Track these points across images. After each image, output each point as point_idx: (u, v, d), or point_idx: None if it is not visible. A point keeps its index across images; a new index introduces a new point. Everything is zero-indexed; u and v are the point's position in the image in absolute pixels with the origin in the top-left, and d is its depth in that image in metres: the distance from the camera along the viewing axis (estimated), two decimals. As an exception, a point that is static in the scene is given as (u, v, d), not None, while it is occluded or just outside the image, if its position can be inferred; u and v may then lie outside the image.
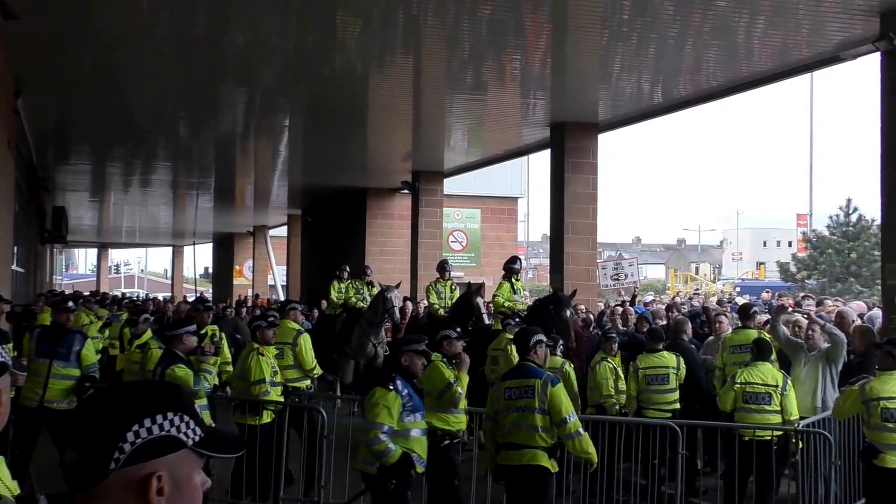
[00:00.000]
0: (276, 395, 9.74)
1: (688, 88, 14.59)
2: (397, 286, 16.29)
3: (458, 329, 8.68)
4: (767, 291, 23.84)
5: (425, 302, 16.96)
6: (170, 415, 1.89)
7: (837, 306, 14.29)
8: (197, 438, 1.92)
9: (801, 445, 8.61)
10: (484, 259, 31.28)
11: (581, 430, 7.09)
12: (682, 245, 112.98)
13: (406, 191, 24.07)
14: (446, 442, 7.77)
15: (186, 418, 1.91)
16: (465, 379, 7.99)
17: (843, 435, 9.02)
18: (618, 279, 16.73)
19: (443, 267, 15.77)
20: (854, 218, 43.83)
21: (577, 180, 16.77)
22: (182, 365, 8.48)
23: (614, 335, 10.98)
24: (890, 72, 9.98)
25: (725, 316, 11.53)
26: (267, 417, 9.52)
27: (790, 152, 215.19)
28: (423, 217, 23.02)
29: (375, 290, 16.83)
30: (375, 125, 18.33)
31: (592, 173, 16.90)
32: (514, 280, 13.80)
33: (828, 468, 8.51)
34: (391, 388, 6.85)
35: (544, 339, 7.53)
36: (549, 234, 17.56)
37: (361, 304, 16.83)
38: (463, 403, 7.96)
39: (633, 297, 17.14)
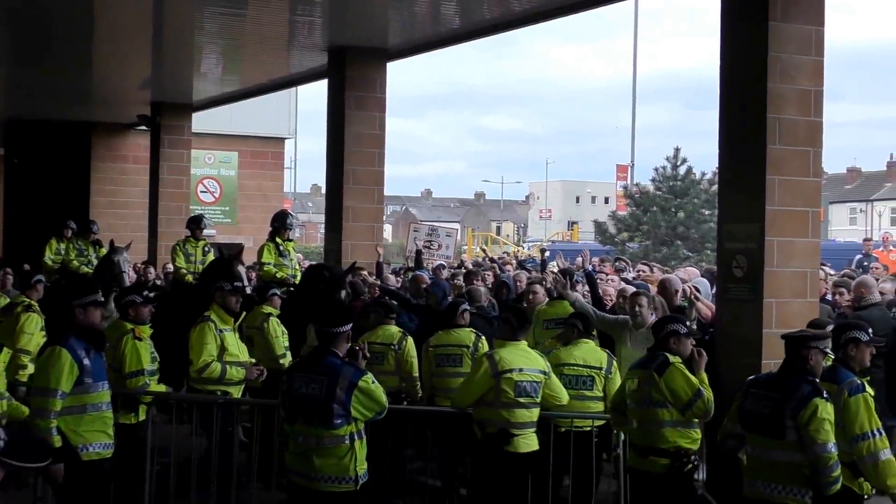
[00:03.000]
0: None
1: (494, 12, 14.87)
2: (127, 247, 16.02)
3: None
4: (581, 255, 24.59)
5: (170, 266, 16.68)
6: None
7: (646, 272, 15.03)
8: None
9: (623, 437, 9.02)
10: (241, 214, 30.92)
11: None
12: (482, 200, 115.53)
13: (143, 127, 23.52)
14: None
15: None
16: None
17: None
18: (429, 247, 16.90)
19: (197, 223, 15.55)
20: (682, 171, 44.79)
21: (360, 119, 16.73)
22: None
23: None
24: (730, 2, 10.52)
25: (540, 285, 11.87)
26: (143, 414, 9.22)
27: (611, 93, 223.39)
28: (166, 161, 22.56)
29: (104, 252, 16.41)
30: (104, 43, 17.72)
31: (379, 110, 16.91)
32: (279, 240, 13.76)
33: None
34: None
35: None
36: (323, 184, 17.51)
37: (86, 269, 16.39)
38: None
39: (419, 256, 17.36)
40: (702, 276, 13.71)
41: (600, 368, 9.26)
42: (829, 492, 6.77)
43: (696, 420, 7.93)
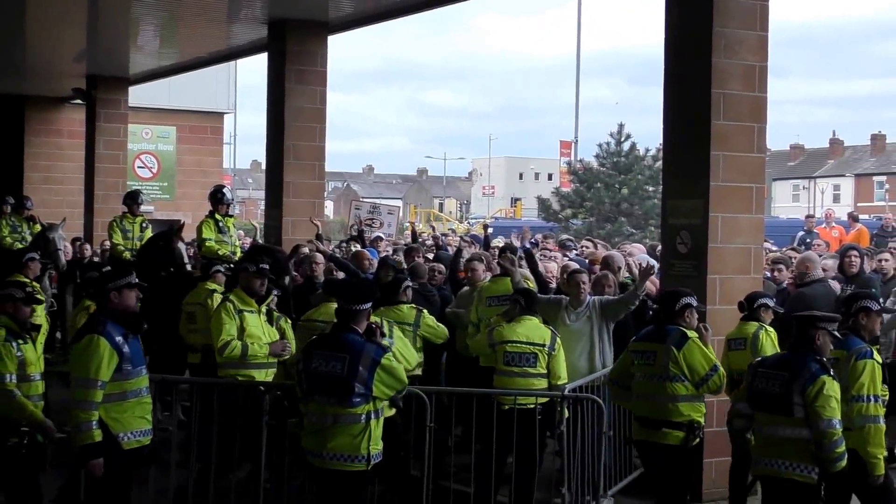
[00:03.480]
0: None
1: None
2: (62, 223, 15.79)
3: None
4: (516, 232, 24.66)
5: (107, 242, 16.50)
6: None
7: (590, 248, 15.11)
8: None
9: (567, 414, 9.06)
10: (180, 190, 30.71)
11: None
12: (424, 176, 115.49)
13: (79, 101, 23.17)
14: None
15: None
16: None
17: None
18: (371, 225, 16.84)
19: (134, 198, 15.40)
20: (626, 146, 45.01)
21: (301, 92, 16.61)
22: None
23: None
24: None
25: (481, 262, 11.87)
26: None
27: (555, 70, 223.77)
28: (102, 135, 22.25)
29: (38, 229, 16.23)
30: (36, 13, 17.42)
31: (320, 84, 16.80)
32: (218, 217, 13.66)
33: (598, 438, 9.03)
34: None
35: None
36: (264, 160, 17.37)
37: (19, 246, 16.21)
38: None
39: (360, 233, 17.25)
40: (647, 252, 13.79)
41: (543, 345, 9.30)
42: (833, 468, 6.94)
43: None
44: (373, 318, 7.70)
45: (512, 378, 9.27)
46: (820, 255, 13.56)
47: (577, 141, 54.45)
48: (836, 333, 7.37)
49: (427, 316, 10.31)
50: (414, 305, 10.40)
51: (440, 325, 10.44)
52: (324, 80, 16.83)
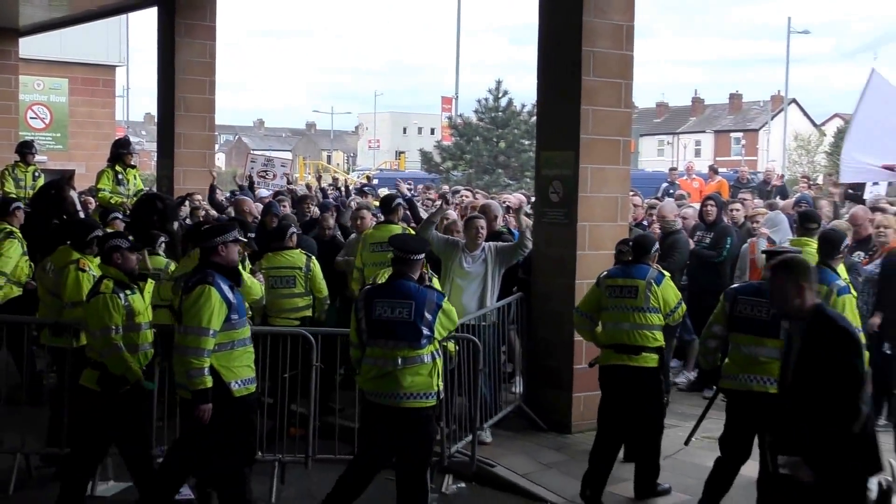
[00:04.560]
0: None
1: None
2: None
3: None
4: (400, 181, 24.70)
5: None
6: None
7: (469, 198, 15.17)
8: None
9: (454, 350, 9.09)
10: (72, 141, 29.97)
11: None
12: (313, 130, 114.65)
13: (-32, 52, 22.38)
14: None
15: None
16: None
17: (494, 339, 9.78)
18: (265, 177, 16.69)
19: (28, 147, 14.99)
20: (504, 102, 45.38)
21: (190, 46, 16.31)
22: None
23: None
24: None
25: (368, 210, 11.85)
26: None
27: (436, 25, 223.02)
28: (-7, 86, 21.58)
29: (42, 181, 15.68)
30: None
31: (210, 38, 16.54)
32: (118, 168, 13.38)
33: (475, 375, 9.12)
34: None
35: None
36: (155, 112, 17.06)
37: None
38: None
39: (251, 184, 17.08)
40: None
41: None
42: None
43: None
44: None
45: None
46: (680, 206, 13.91)
47: (457, 97, 54.64)
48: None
49: (315, 264, 10.33)
50: (303, 251, 10.41)
51: (323, 280, 10.48)
52: (213, 35, 16.57)
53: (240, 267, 8.03)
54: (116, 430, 7.90)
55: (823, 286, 7.81)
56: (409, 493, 7.47)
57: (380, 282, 8.76)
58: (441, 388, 7.52)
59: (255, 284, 8.48)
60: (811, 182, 22.41)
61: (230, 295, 7.36)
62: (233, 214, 13.04)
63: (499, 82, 45.45)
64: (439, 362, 7.49)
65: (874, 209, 11.89)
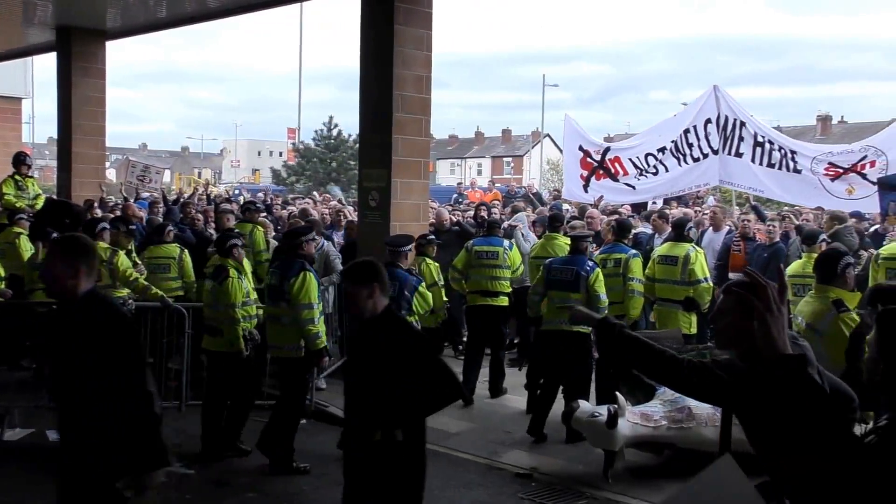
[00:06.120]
0: None
1: (193, 6, 14.22)
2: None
3: None
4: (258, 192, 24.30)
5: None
6: None
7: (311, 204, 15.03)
8: None
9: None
10: (-14, 159, 28.05)
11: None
12: (187, 152, 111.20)
13: None
14: None
15: None
16: None
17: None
18: (142, 181, 15.98)
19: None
20: (335, 132, 46.31)
21: (85, 84, 15.65)
22: None
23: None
24: (370, 6, 10.51)
25: (233, 214, 11.51)
26: None
27: (283, 73, 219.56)
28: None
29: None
30: None
31: (101, 78, 15.92)
32: (18, 177, 12.66)
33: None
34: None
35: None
36: (56, 135, 16.21)
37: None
38: None
39: (137, 195, 16.34)
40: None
41: None
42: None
43: None
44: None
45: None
46: (464, 211, 14.07)
47: (300, 128, 54.08)
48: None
49: (187, 255, 9.97)
50: (178, 245, 10.08)
51: (192, 268, 9.95)
52: (103, 75, 15.97)
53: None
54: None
55: (622, 255, 8.80)
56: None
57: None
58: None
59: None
60: (559, 194, 23.02)
61: (317, 278, 7.53)
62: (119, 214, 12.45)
63: (331, 117, 46.90)
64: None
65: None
